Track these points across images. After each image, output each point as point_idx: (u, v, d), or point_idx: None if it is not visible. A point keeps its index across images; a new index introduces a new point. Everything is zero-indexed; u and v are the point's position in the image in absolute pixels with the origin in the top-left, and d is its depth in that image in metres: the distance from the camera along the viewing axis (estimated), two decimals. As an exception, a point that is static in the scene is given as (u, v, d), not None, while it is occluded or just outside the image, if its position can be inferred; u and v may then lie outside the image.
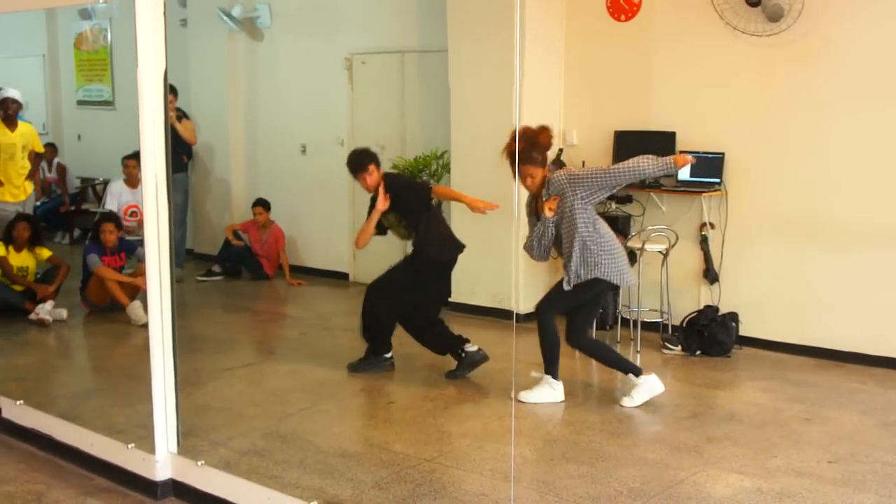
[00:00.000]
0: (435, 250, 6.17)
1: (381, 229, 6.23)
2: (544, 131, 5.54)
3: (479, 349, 6.17)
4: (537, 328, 5.72)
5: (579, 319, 5.72)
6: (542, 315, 5.70)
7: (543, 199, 5.53)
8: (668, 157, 5.40)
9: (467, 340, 6.19)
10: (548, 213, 5.49)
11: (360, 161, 6.13)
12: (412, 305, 6.21)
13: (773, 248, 6.80)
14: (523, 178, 5.51)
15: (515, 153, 5.21)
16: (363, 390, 6.03)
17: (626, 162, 5.43)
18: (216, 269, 9.48)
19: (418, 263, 6.20)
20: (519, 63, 7.12)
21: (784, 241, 6.75)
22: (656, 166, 5.39)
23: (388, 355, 6.25)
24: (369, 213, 6.16)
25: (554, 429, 5.22)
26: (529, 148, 5.44)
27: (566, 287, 5.54)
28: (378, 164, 6.16)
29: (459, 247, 6.28)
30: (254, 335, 7.85)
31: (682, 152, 7.00)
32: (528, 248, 5.69)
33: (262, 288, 9.25)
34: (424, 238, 6.15)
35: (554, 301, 5.71)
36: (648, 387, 5.62)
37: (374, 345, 6.24)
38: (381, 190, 6.09)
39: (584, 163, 7.41)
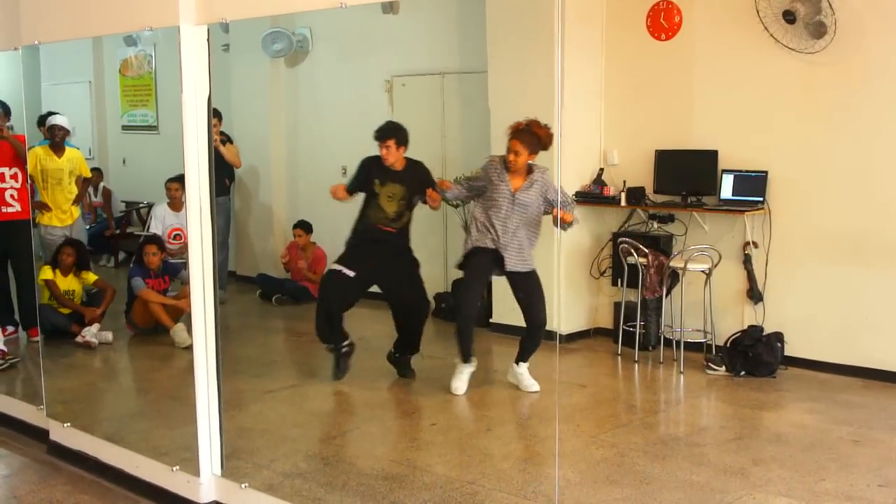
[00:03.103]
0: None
1: (370, 192, 6.44)
2: (547, 130, 6.05)
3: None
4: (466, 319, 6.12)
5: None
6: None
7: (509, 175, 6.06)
8: None
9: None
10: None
11: (382, 132, 6.38)
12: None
13: (818, 267, 6.72)
14: (509, 153, 6.02)
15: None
16: (406, 412, 6.03)
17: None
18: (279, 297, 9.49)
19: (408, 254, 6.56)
20: (559, 83, 7.11)
21: (829, 259, 6.66)
22: None
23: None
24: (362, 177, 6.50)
25: (597, 451, 5.18)
26: (529, 131, 6.01)
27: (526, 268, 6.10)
28: (400, 144, 6.37)
29: None
30: (296, 357, 7.88)
31: (724, 171, 6.99)
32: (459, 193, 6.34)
33: (305, 310, 9.28)
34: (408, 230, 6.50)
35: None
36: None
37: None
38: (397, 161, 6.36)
39: (624, 182, 7.39)
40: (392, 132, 6.36)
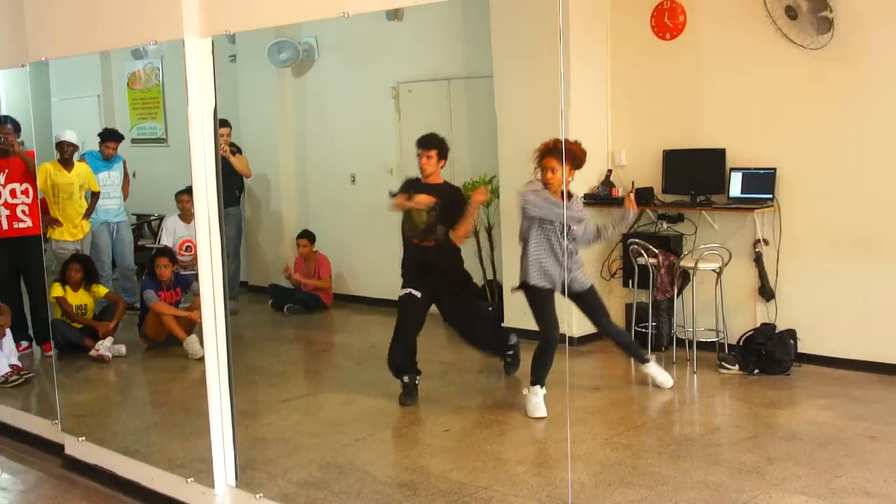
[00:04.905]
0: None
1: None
2: (578, 145, 5.96)
3: None
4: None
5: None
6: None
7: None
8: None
9: None
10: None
11: (426, 142, 6.28)
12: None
13: (830, 263, 6.69)
14: (545, 171, 5.87)
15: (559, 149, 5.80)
16: (419, 419, 6.02)
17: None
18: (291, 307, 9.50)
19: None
20: (565, 86, 7.11)
21: (840, 254, 6.64)
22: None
23: None
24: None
25: (611, 453, 5.17)
26: (559, 147, 5.84)
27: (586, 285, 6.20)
28: (441, 157, 6.26)
29: None
30: (308, 366, 7.89)
31: (732, 169, 6.98)
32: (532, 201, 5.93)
33: (316, 318, 9.31)
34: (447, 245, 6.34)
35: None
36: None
37: None
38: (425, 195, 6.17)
39: (633, 183, 7.37)
40: (436, 143, 6.26)
